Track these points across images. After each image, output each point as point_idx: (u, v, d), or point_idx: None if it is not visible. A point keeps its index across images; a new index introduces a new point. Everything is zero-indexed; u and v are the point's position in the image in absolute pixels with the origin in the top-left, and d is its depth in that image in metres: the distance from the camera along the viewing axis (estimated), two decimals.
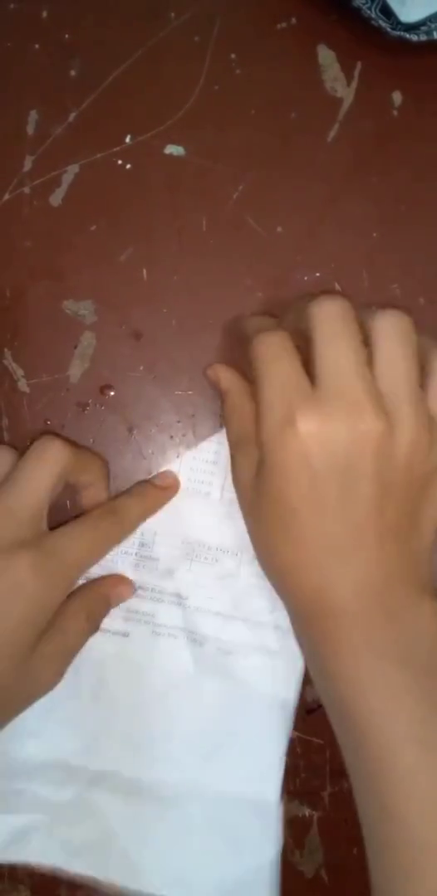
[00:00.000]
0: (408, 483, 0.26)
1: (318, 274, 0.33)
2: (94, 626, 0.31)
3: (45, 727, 0.32)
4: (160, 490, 0.32)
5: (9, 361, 0.33)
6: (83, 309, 0.33)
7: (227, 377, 0.31)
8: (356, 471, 0.26)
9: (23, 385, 0.33)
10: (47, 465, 0.29)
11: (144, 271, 0.33)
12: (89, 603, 0.31)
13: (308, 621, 0.28)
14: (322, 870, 0.34)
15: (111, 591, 0.32)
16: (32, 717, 0.31)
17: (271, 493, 0.27)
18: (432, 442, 0.27)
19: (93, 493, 0.31)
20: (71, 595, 0.30)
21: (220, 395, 0.31)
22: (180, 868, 0.31)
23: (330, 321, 0.26)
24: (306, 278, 0.33)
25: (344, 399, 0.26)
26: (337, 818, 0.34)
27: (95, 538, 0.29)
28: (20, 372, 0.33)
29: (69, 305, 0.33)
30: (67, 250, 0.33)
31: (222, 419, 0.31)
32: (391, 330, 0.27)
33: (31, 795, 0.31)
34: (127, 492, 0.32)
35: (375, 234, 0.33)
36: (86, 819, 0.31)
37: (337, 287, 0.33)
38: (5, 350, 0.33)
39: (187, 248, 0.33)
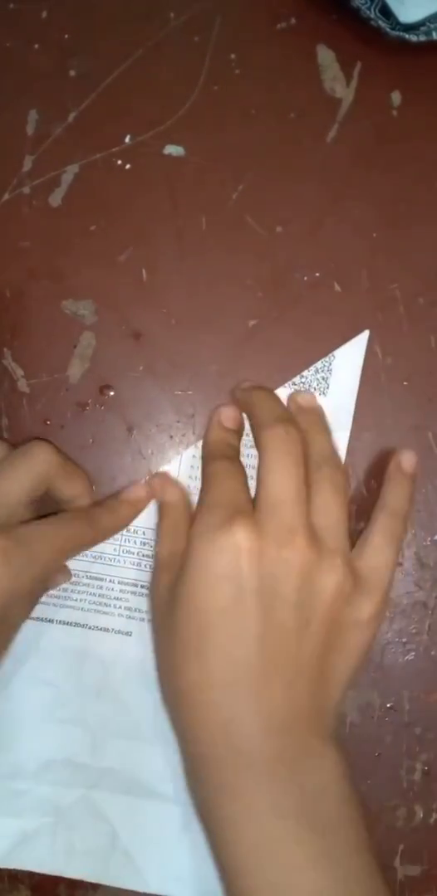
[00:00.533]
0: (327, 624, 0.27)
1: (317, 274, 0.33)
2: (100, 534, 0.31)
3: (48, 726, 0.32)
4: (129, 505, 0.32)
5: (8, 361, 0.33)
6: (83, 309, 0.33)
7: (173, 493, 0.32)
8: (280, 595, 0.27)
9: (22, 385, 0.33)
10: (32, 462, 0.29)
11: (144, 271, 0.33)
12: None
13: (207, 764, 0.27)
14: None
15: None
16: (36, 716, 0.31)
17: (190, 601, 0.27)
18: (352, 595, 0.28)
19: (76, 508, 0.31)
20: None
21: (159, 507, 0.32)
22: (182, 865, 0.31)
23: (279, 452, 0.29)
24: (305, 278, 0.33)
25: (281, 523, 0.27)
26: None
27: (67, 537, 0.29)
28: (20, 372, 0.33)
29: (69, 305, 0.33)
30: (67, 250, 0.33)
31: (157, 530, 0.32)
32: (329, 481, 0.29)
33: (35, 797, 0.31)
34: (101, 502, 0.32)
35: (374, 234, 0.33)
36: (89, 822, 0.31)
37: (337, 287, 0.33)
38: (5, 350, 0.33)
39: (187, 248, 0.33)
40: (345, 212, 0.33)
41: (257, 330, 0.33)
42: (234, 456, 0.31)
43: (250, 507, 0.28)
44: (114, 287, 0.33)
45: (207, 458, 0.31)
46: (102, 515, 0.31)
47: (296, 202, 0.33)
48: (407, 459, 0.31)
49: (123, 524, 0.32)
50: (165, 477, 0.32)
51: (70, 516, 0.30)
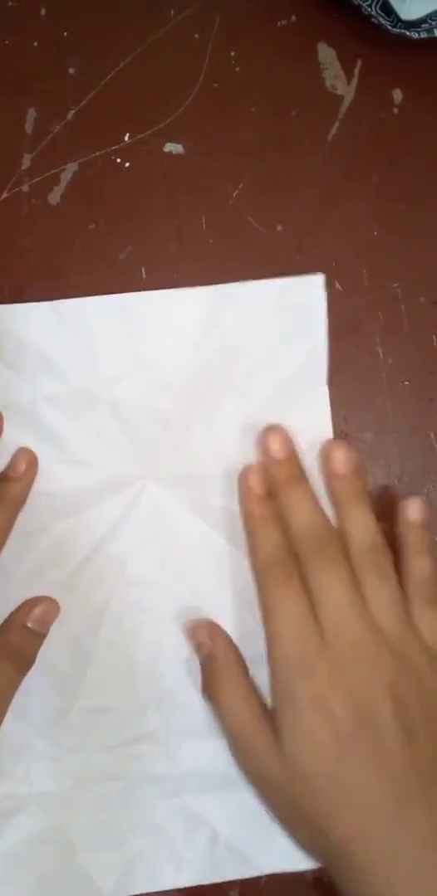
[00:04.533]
0: (430, 720, 0.27)
1: (318, 273, 0.33)
2: (24, 664, 0.30)
3: (122, 749, 0.32)
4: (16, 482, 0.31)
5: None
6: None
7: (221, 642, 0.30)
8: (379, 721, 0.26)
9: None
10: None
11: (143, 270, 0.33)
12: (8, 644, 0.29)
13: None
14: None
15: (28, 618, 0.30)
16: (104, 743, 0.31)
17: (303, 771, 0.27)
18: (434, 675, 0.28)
19: None
20: None
21: (207, 660, 0.30)
22: (286, 838, 0.30)
23: (324, 571, 0.28)
24: None
25: (353, 648, 0.27)
26: None
27: None
28: None
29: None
30: (66, 249, 0.33)
31: (216, 694, 0.29)
32: (375, 574, 0.29)
33: (127, 823, 0.31)
34: None
35: (375, 233, 0.33)
36: (185, 828, 0.31)
37: (338, 286, 0.33)
38: None
39: (187, 246, 0.33)
40: (346, 210, 0.33)
41: None
42: (287, 560, 0.29)
43: (320, 638, 0.27)
44: (113, 286, 0.33)
45: (261, 579, 0.29)
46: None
47: (297, 200, 0.33)
48: (414, 511, 0.31)
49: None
50: (213, 628, 0.31)
51: None
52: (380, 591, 0.28)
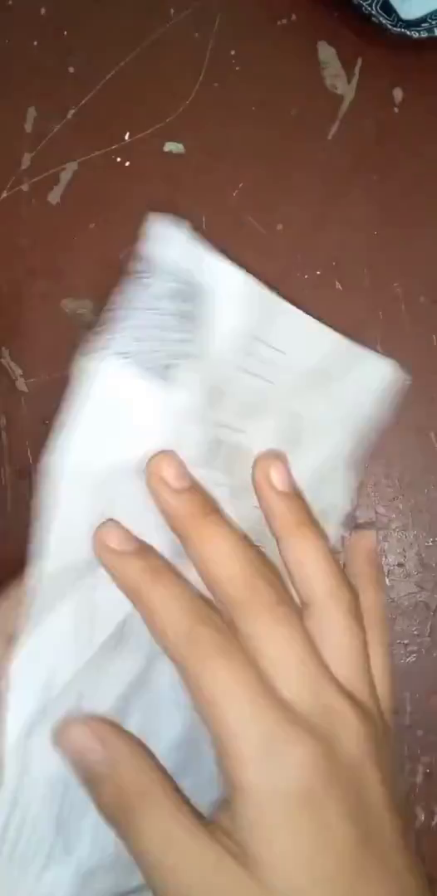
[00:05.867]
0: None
1: (318, 272, 0.33)
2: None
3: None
4: None
5: (7, 360, 0.33)
6: (82, 308, 0.33)
7: (125, 748, 0.23)
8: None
9: (21, 384, 0.33)
10: None
11: None
12: None
13: None
14: None
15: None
16: None
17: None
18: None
19: None
20: None
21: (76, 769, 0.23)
22: None
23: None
24: (306, 277, 0.33)
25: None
26: None
27: None
28: (18, 371, 0.33)
29: (68, 304, 0.33)
30: (66, 248, 0.33)
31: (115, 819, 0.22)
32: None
33: None
34: None
35: (376, 232, 0.33)
36: None
37: (338, 286, 0.33)
38: (3, 349, 0.33)
39: None
40: (346, 209, 0.33)
41: None
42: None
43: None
44: (113, 286, 0.33)
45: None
46: None
47: (297, 200, 0.33)
48: (367, 541, 0.28)
49: None
50: (102, 727, 0.23)
51: None
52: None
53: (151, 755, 0.23)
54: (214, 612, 0.23)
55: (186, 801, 0.22)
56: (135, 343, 0.27)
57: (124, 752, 0.22)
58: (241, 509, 0.27)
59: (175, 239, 0.28)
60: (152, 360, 0.27)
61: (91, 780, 0.22)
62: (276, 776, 0.21)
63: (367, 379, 0.30)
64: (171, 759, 0.24)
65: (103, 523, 0.25)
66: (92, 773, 0.22)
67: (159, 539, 0.26)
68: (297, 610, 0.23)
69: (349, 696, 0.23)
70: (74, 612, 0.26)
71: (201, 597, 0.23)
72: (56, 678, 0.26)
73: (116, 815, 0.22)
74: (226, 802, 0.21)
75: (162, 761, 0.24)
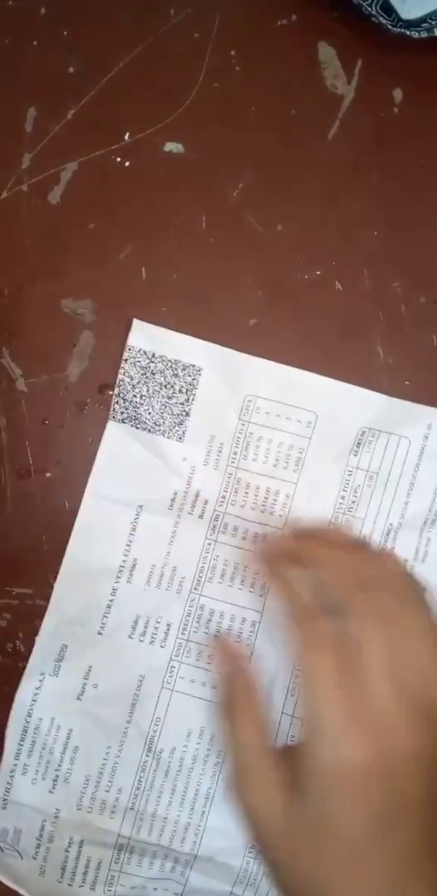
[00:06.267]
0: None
1: (318, 272, 0.33)
2: None
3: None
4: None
5: (7, 360, 0.33)
6: (82, 308, 0.33)
7: (239, 673, 0.29)
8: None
9: (21, 384, 0.33)
10: None
11: (143, 270, 0.33)
12: None
13: None
14: None
15: None
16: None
17: (328, 821, 0.25)
18: None
19: None
20: None
21: (226, 685, 0.29)
22: None
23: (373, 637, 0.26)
24: (306, 277, 0.33)
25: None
26: None
27: None
28: (18, 371, 0.33)
29: (68, 304, 0.33)
30: (66, 248, 0.33)
31: (227, 719, 0.28)
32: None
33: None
34: None
35: (376, 232, 0.33)
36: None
37: (338, 286, 0.33)
38: (3, 349, 0.33)
39: (187, 246, 0.33)
40: (346, 209, 0.33)
41: (257, 329, 0.33)
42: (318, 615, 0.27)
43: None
44: (113, 285, 0.33)
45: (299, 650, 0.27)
46: None
47: (297, 200, 0.33)
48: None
49: None
50: (235, 650, 0.31)
51: None
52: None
53: (256, 682, 0.29)
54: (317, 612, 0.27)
55: (267, 724, 0.28)
56: (135, 409, 0.32)
57: (240, 670, 0.29)
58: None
59: (157, 331, 0.32)
60: (158, 423, 0.32)
61: (218, 681, 0.29)
62: (342, 757, 0.25)
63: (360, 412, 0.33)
64: None
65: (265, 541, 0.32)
66: (219, 676, 0.30)
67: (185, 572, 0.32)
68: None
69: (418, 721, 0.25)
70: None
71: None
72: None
73: (223, 710, 0.28)
74: (305, 772, 0.26)
75: None
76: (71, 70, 0.33)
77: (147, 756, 0.32)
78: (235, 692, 0.29)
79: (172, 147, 0.33)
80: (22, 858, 0.32)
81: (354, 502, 0.32)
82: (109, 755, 0.32)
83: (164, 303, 0.33)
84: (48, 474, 0.32)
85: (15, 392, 0.33)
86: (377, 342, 0.33)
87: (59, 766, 0.32)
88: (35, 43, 0.33)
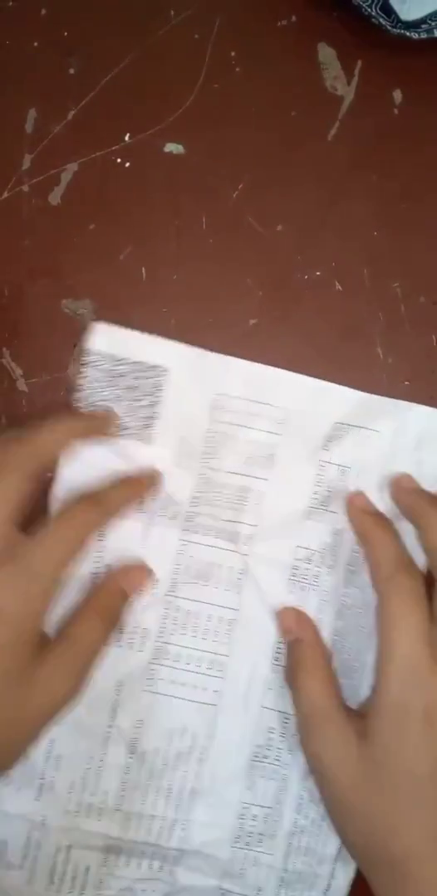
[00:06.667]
0: None
1: (318, 273, 0.33)
2: (110, 624, 0.30)
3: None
4: (142, 481, 0.31)
5: (7, 360, 0.33)
6: (82, 308, 0.33)
7: (307, 628, 0.31)
8: None
9: (21, 384, 0.33)
10: (7, 479, 0.28)
11: (144, 270, 0.33)
12: (101, 601, 0.30)
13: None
14: None
15: (124, 581, 0.31)
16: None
17: (386, 777, 0.27)
18: None
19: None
20: (85, 597, 0.30)
21: (293, 646, 0.31)
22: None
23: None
24: (306, 277, 0.33)
25: None
26: None
27: (72, 534, 0.28)
28: (19, 371, 0.33)
29: (68, 304, 0.33)
30: (66, 249, 0.33)
31: (294, 678, 0.30)
32: None
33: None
34: (112, 482, 0.31)
35: (375, 233, 0.33)
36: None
37: (338, 286, 0.33)
38: (4, 349, 0.33)
39: (187, 247, 0.33)
40: (346, 210, 0.33)
41: (257, 329, 0.33)
42: (411, 569, 0.29)
43: None
44: (113, 286, 0.33)
45: (383, 588, 0.29)
46: (113, 491, 0.30)
47: (297, 200, 0.33)
48: (407, 480, 0.31)
49: (136, 497, 0.31)
50: (301, 615, 0.32)
51: (72, 508, 0.29)
52: None
53: (323, 643, 0.31)
54: (414, 568, 0.29)
55: (336, 681, 0.30)
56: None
57: (309, 633, 0.31)
58: (270, 544, 0.32)
59: (119, 333, 0.32)
60: (125, 427, 0.32)
61: (288, 647, 0.32)
62: (411, 695, 0.27)
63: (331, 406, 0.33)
64: None
65: (356, 494, 0.32)
66: (289, 641, 0.31)
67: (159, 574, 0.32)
68: None
69: None
70: None
71: (408, 556, 0.30)
72: None
73: (292, 673, 0.31)
74: (377, 714, 0.28)
75: None
76: (71, 71, 0.33)
77: (131, 758, 0.32)
78: (302, 654, 0.30)
79: (172, 148, 0.33)
80: (9, 869, 0.31)
81: (327, 497, 0.32)
82: (93, 760, 0.32)
83: (164, 303, 0.33)
84: (49, 474, 0.32)
85: (15, 392, 0.33)
86: (377, 342, 0.33)
87: (43, 774, 0.32)
88: (35, 44, 0.33)
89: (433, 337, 0.33)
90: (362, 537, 0.31)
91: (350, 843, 0.29)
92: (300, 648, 0.31)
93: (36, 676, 0.27)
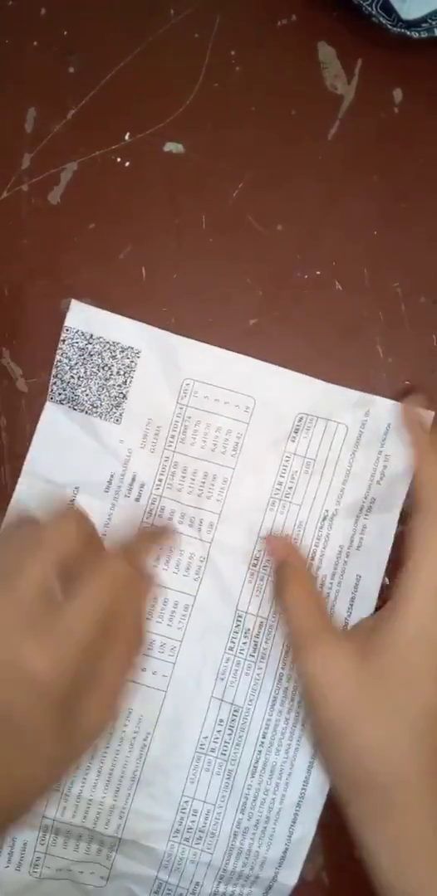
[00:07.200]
0: None
1: (318, 272, 0.33)
2: (140, 640, 0.29)
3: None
4: (160, 532, 0.32)
5: (7, 360, 0.33)
6: None
7: (293, 553, 0.31)
8: None
9: (21, 384, 0.33)
10: (45, 552, 0.27)
11: (143, 270, 0.33)
12: (127, 626, 0.29)
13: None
14: (323, 872, 0.34)
15: (137, 603, 0.30)
16: None
17: (396, 675, 0.27)
18: None
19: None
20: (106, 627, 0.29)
21: (279, 568, 0.31)
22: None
23: None
24: (306, 277, 0.33)
25: None
26: (338, 822, 0.34)
27: (105, 594, 0.27)
28: (18, 371, 0.33)
29: (68, 304, 0.33)
30: (66, 248, 0.33)
31: (282, 600, 0.30)
32: None
33: None
34: (133, 537, 0.32)
35: (375, 233, 0.33)
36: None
37: (338, 286, 0.33)
38: (3, 349, 0.33)
39: (187, 246, 0.33)
40: (346, 209, 0.33)
41: (257, 329, 0.33)
42: None
43: None
44: (113, 286, 0.33)
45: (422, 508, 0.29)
46: (138, 543, 0.31)
47: (297, 200, 0.33)
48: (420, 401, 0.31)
49: (160, 544, 0.32)
50: (287, 539, 0.32)
51: (103, 565, 0.28)
52: None
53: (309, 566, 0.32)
54: None
55: (322, 596, 0.31)
56: (72, 390, 0.32)
57: (295, 555, 0.31)
58: (233, 533, 0.32)
59: (96, 312, 0.32)
60: (95, 405, 0.32)
61: (275, 568, 0.31)
62: (432, 624, 0.26)
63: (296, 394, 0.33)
64: None
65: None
66: (276, 562, 0.31)
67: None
68: None
69: None
70: None
71: None
72: None
73: (279, 591, 0.30)
74: (388, 639, 0.27)
75: None
76: (71, 70, 0.33)
77: None
78: (289, 571, 0.30)
79: (172, 147, 0.33)
80: None
81: (291, 488, 0.32)
82: None
83: (164, 302, 0.33)
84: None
85: (15, 392, 0.33)
86: (377, 342, 0.33)
87: None
88: (35, 43, 0.33)
89: (434, 336, 0.33)
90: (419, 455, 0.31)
91: (336, 767, 0.28)
92: (288, 567, 0.31)
93: (70, 724, 0.27)
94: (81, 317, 0.32)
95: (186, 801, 0.32)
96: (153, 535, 0.32)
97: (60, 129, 0.33)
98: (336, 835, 0.34)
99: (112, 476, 0.32)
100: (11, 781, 0.25)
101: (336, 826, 0.34)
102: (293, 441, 0.32)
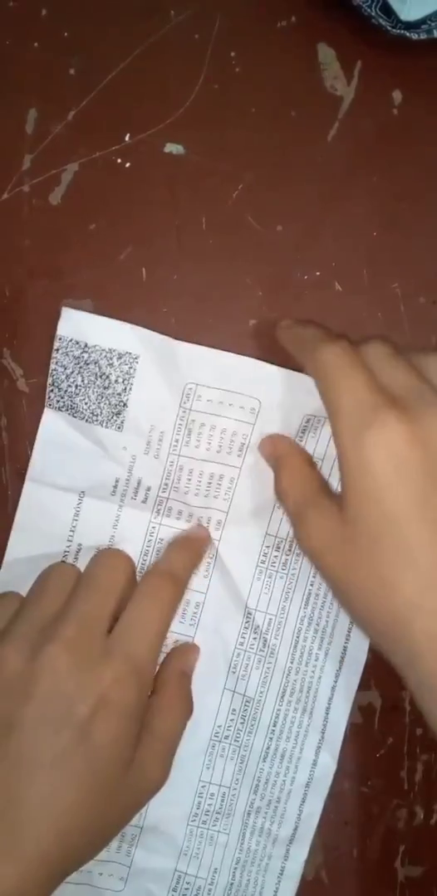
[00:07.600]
0: None
1: (318, 273, 0.33)
2: (189, 706, 0.31)
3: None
4: (199, 539, 0.32)
5: (8, 361, 0.33)
6: (82, 308, 0.33)
7: (284, 443, 0.31)
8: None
9: (22, 384, 0.33)
10: (115, 584, 0.30)
11: (144, 270, 0.33)
12: (181, 689, 0.32)
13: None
14: (322, 871, 0.34)
15: (184, 663, 0.32)
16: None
17: (369, 518, 0.25)
18: None
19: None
20: (156, 689, 0.31)
21: (274, 463, 0.31)
22: None
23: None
24: (306, 277, 0.33)
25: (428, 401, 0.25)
26: (337, 820, 0.34)
27: (161, 615, 0.30)
28: (19, 371, 0.33)
29: (68, 304, 0.33)
30: (67, 249, 0.33)
31: (278, 488, 0.30)
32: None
33: None
34: (171, 548, 0.32)
35: (375, 234, 0.33)
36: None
37: (338, 286, 0.33)
38: (4, 349, 0.33)
39: (187, 247, 0.33)
40: (346, 210, 0.33)
41: (257, 329, 0.33)
42: (338, 339, 0.27)
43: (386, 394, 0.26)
44: (113, 286, 0.33)
45: (320, 362, 0.27)
46: (181, 559, 0.31)
47: (296, 201, 0.33)
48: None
49: (199, 560, 0.32)
50: (272, 436, 0.32)
51: (153, 588, 0.30)
52: None
53: (303, 451, 0.31)
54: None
55: (318, 472, 0.30)
56: (71, 399, 0.32)
57: (284, 446, 0.31)
58: (240, 531, 0.32)
59: (89, 319, 0.32)
60: (95, 413, 0.32)
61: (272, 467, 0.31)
62: (367, 446, 0.25)
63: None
64: None
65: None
66: (272, 462, 0.31)
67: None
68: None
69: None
70: None
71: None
72: None
73: (277, 483, 0.30)
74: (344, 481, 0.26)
75: None
76: (72, 71, 0.33)
77: None
78: (282, 461, 0.30)
79: (172, 148, 0.33)
80: None
81: None
82: None
83: (164, 303, 0.33)
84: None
85: (15, 392, 0.33)
86: None
87: None
88: (36, 44, 0.33)
89: (433, 337, 0.33)
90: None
91: (359, 619, 0.27)
92: (280, 459, 0.30)
93: (132, 771, 0.28)
94: (74, 324, 0.32)
95: (203, 786, 0.33)
96: (194, 550, 0.32)
97: (61, 130, 0.33)
98: (336, 834, 0.34)
99: (117, 481, 0.32)
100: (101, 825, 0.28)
101: (336, 824, 0.34)
102: (301, 440, 0.32)
